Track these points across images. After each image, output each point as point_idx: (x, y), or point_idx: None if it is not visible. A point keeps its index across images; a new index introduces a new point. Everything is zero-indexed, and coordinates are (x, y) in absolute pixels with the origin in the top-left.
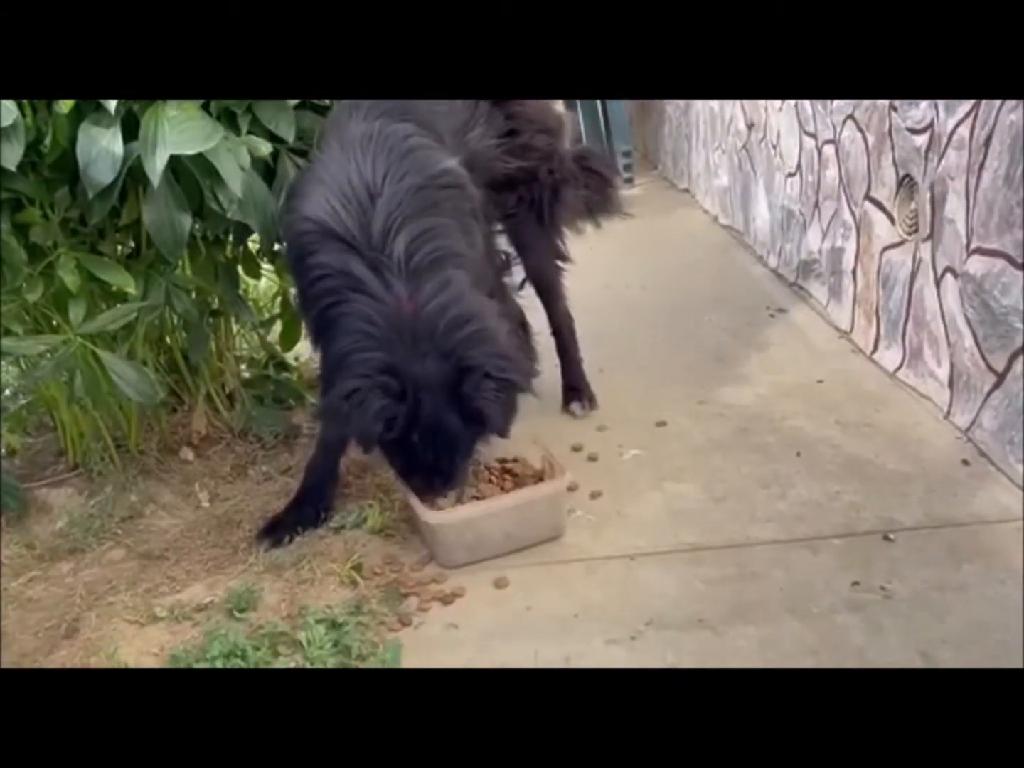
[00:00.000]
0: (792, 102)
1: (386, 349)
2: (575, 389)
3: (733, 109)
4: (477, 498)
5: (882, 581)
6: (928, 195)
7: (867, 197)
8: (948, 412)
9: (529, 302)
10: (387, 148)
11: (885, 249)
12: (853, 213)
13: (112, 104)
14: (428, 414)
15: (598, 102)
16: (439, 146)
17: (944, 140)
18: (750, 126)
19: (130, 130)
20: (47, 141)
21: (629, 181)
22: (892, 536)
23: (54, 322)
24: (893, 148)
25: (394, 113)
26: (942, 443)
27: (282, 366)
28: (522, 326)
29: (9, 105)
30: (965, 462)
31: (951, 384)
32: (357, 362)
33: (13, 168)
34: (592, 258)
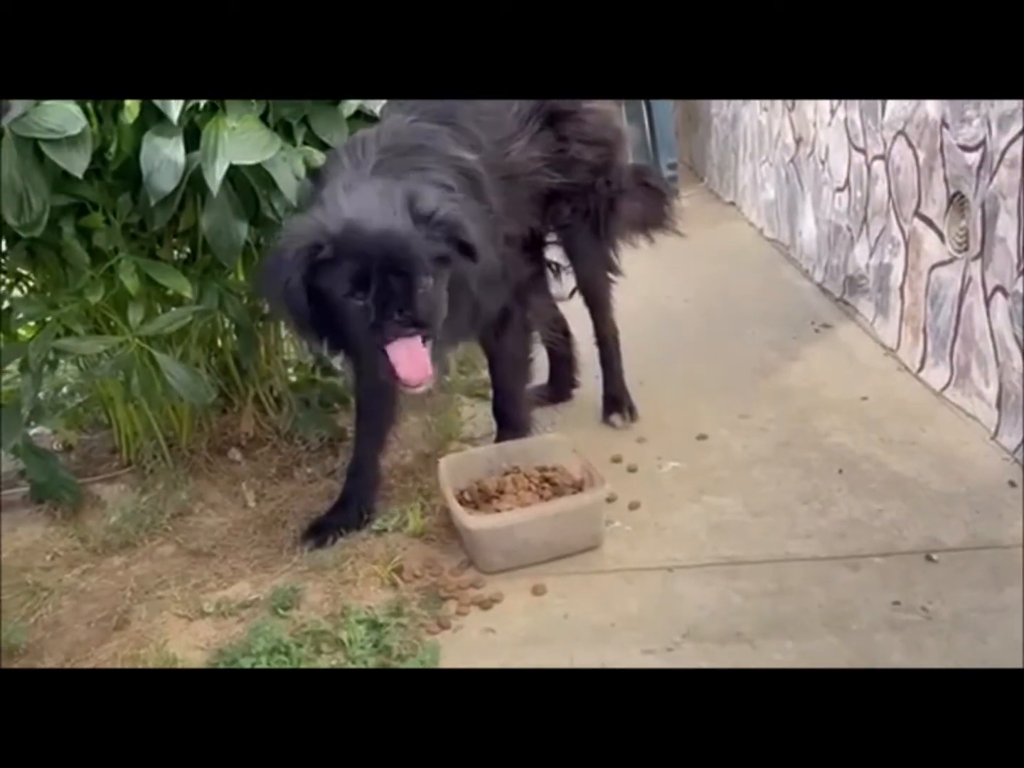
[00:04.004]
0: (842, 117)
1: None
2: (616, 400)
3: (781, 122)
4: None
5: (923, 601)
6: (979, 213)
7: (917, 214)
8: (996, 433)
9: (570, 309)
10: (408, 134)
11: (934, 267)
12: (902, 229)
13: (175, 115)
14: (372, 223)
15: (644, 114)
16: (463, 145)
17: (996, 158)
18: (798, 140)
19: (191, 140)
20: (112, 149)
21: (674, 193)
22: (935, 556)
23: (112, 323)
24: (944, 165)
25: (431, 114)
26: (988, 464)
27: (328, 370)
28: (565, 335)
29: (77, 114)
30: (1012, 483)
31: (999, 404)
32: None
33: (80, 175)
34: (635, 269)
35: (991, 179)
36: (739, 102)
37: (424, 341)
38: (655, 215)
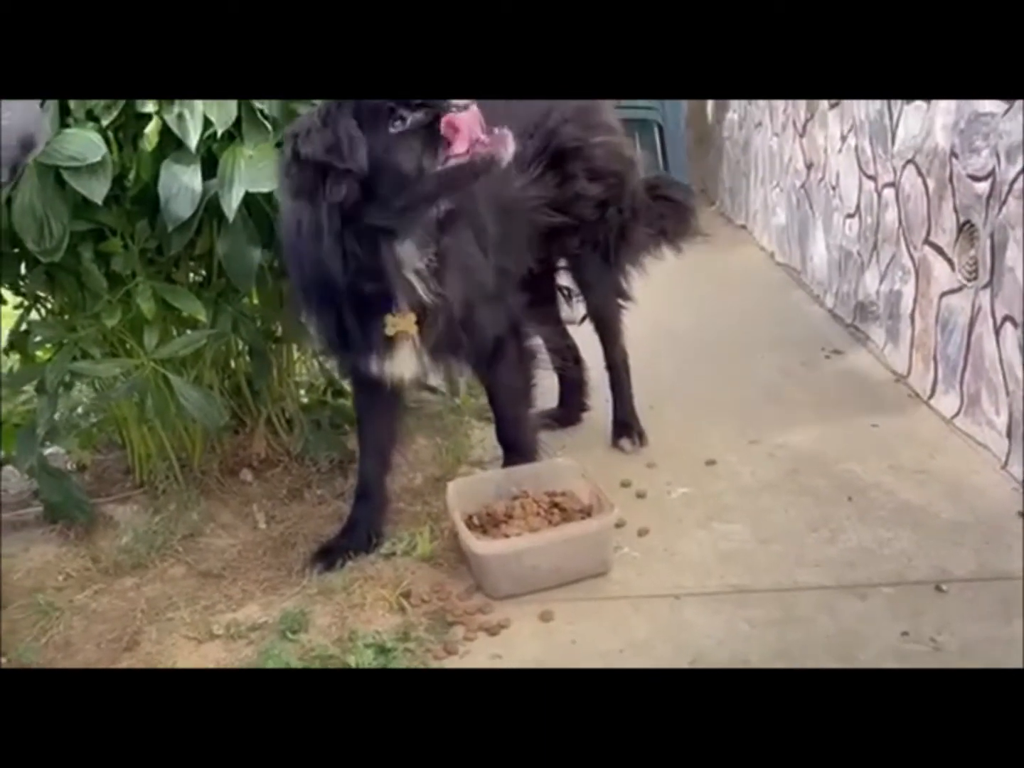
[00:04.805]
0: (852, 143)
1: None
2: (625, 425)
3: (792, 148)
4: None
5: (932, 632)
6: (988, 242)
7: (927, 242)
8: (1006, 462)
9: (580, 332)
10: None
11: (944, 294)
12: (912, 257)
13: (193, 143)
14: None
15: (657, 137)
16: None
17: (1005, 189)
18: (809, 166)
19: (208, 168)
20: (131, 176)
21: (692, 195)
22: (944, 587)
23: (128, 346)
24: (954, 194)
25: None
26: (998, 493)
27: (339, 392)
28: (576, 361)
29: (97, 142)
30: (1021, 514)
31: (1009, 434)
32: None
33: (99, 202)
34: (645, 293)
35: (1000, 209)
36: (751, 126)
37: None
38: (676, 226)
